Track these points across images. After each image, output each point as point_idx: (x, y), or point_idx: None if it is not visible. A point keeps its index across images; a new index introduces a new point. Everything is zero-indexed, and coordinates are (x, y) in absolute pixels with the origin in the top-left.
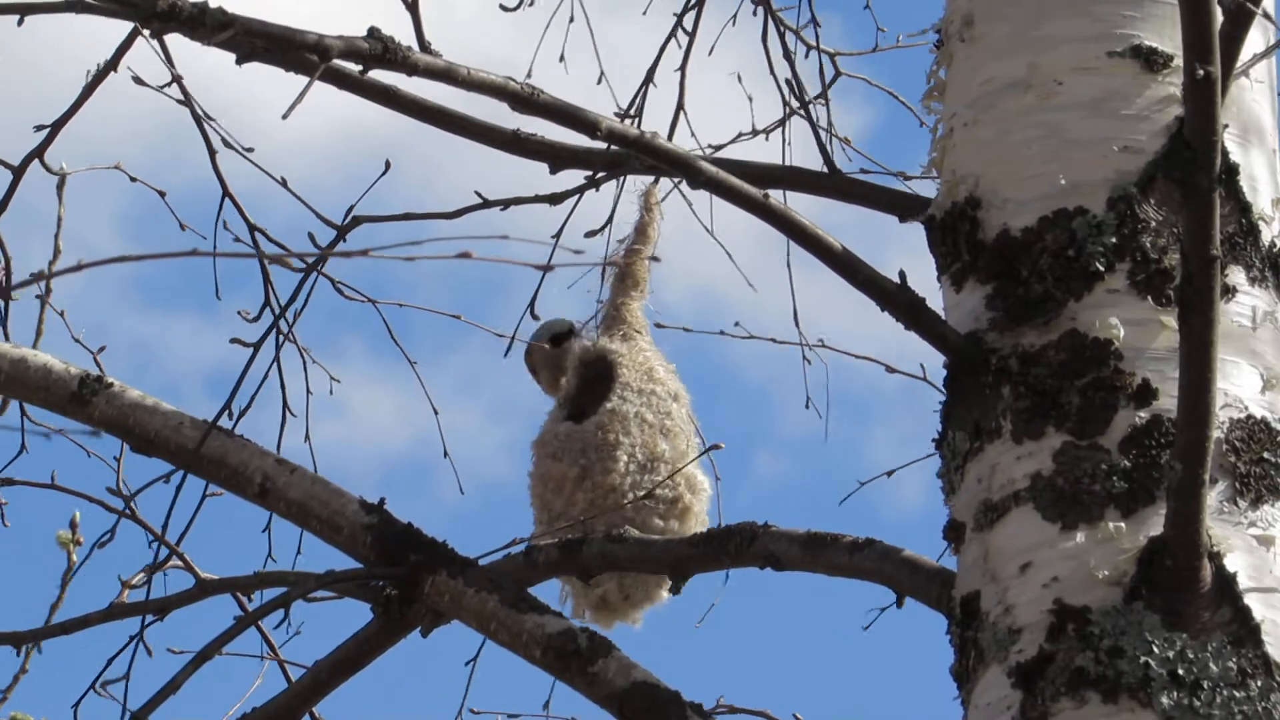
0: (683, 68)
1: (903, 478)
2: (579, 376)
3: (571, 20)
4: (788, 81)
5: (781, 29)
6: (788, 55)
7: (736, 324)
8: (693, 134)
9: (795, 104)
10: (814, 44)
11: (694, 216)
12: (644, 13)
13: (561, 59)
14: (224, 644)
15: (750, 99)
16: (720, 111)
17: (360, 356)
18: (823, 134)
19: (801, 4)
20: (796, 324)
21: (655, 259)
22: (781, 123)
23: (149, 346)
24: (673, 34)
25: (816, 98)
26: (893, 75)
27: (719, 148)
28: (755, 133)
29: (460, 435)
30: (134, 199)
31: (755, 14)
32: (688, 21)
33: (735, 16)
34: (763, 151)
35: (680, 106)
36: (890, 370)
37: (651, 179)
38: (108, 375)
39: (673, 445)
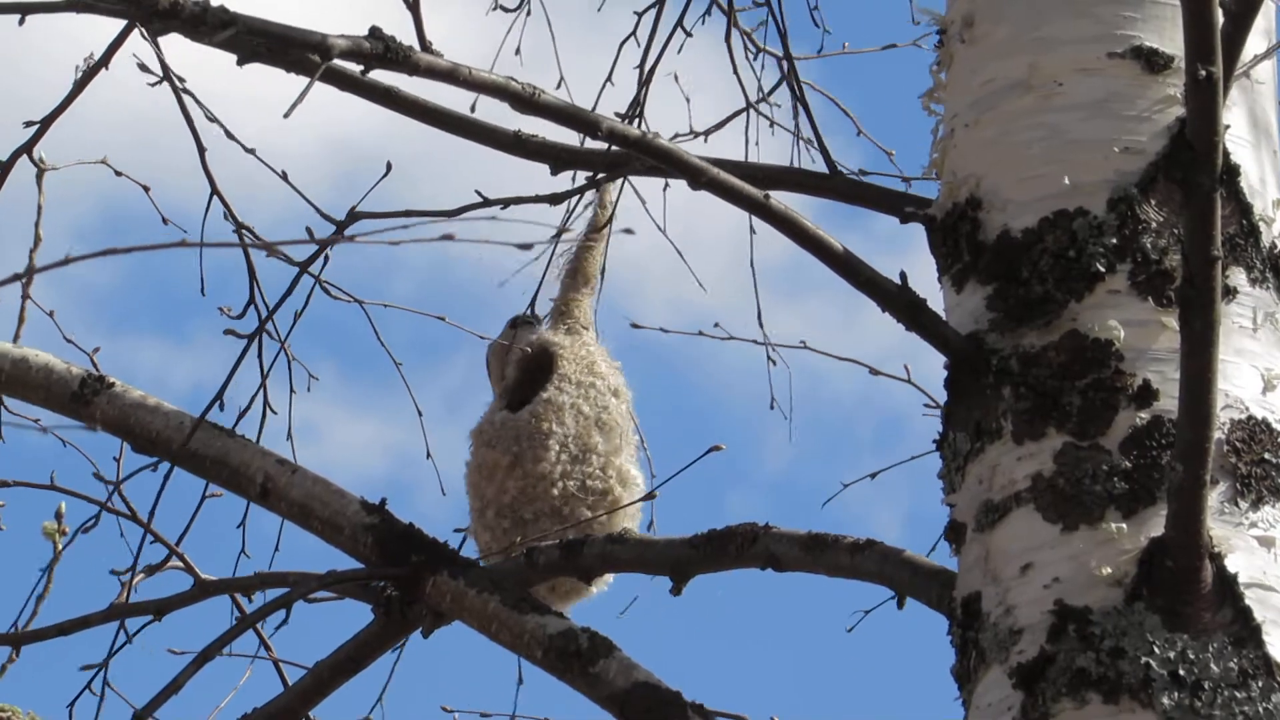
0: (641, 65)
1: (883, 512)
2: (520, 369)
3: (529, 13)
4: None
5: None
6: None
7: (716, 324)
8: (642, 124)
9: (755, 99)
10: (764, 46)
11: (651, 219)
12: (599, 9)
13: (517, 51)
14: (225, 644)
15: (688, 98)
16: (695, 110)
17: (334, 385)
18: (784, 133)
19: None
20: (760, 325)
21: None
22: (728, 119)
23: (117, 371)
24: (649, 35)
25: (767, 97)
26: (845, 82)
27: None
28: (694, 133)
29: (439, 456)
30: (122, 198)
31: (709, 16)
32: (650, 19)
33: (704, 16)
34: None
35: (636, 102)
36: (874, 373)
37: (605, 175)
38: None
39: (607, 439)
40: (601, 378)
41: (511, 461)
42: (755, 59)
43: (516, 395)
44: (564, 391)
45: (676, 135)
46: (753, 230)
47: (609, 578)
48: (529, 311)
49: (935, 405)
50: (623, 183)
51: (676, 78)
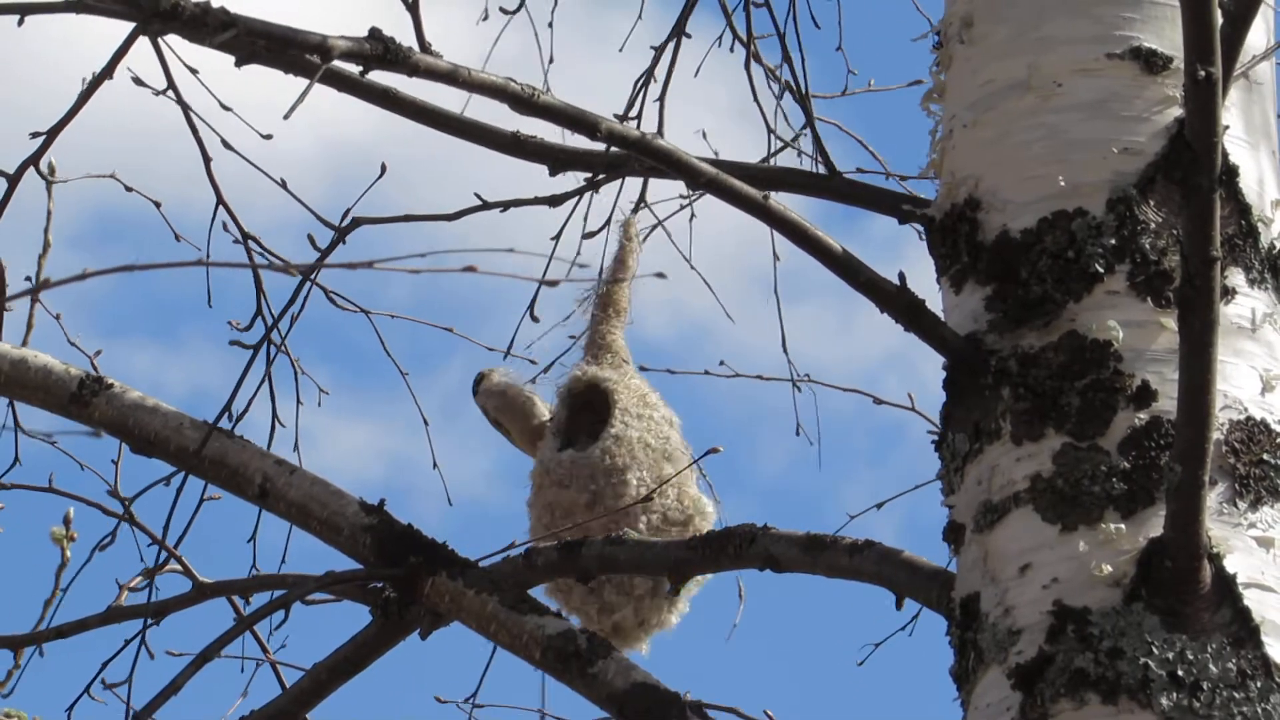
0: (661, 98)
1: (880, 516)
2: (568, 406)
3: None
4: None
5: (765, 67)
6: (795, 85)
7: (722, 363)
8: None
9: (781, 140)
10: (790, 84)
11: (674, 246)
12: (620, 50)
13: (552, 57)
14: (223, 646)
15: (701, 134)
16: (701, 145)
17: (328, 391)
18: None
19: (783, 40)
20: (786, 352)
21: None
22: (769, 158)
23: (111, 376)
24: (653, 67)
25: (794, 140)
26: (868, 119)
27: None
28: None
29: (430, 466)
30: (117, 201)
31: (732, 50)
32: (669, 52)
33: (720, 40)
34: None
35: (659, 135)
36: (878, 402)
37: (632, 209)
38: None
39: (675, 469)
40: (655, 409)
41: (590, 500)
42: (776, 89)
43: (567, 433)
44: (630, 426)
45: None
46: (776, 258)
47: (692, 590)
48: (482, 372)
49: (937, 431)
50: (621, 184)
51: (709, 107)
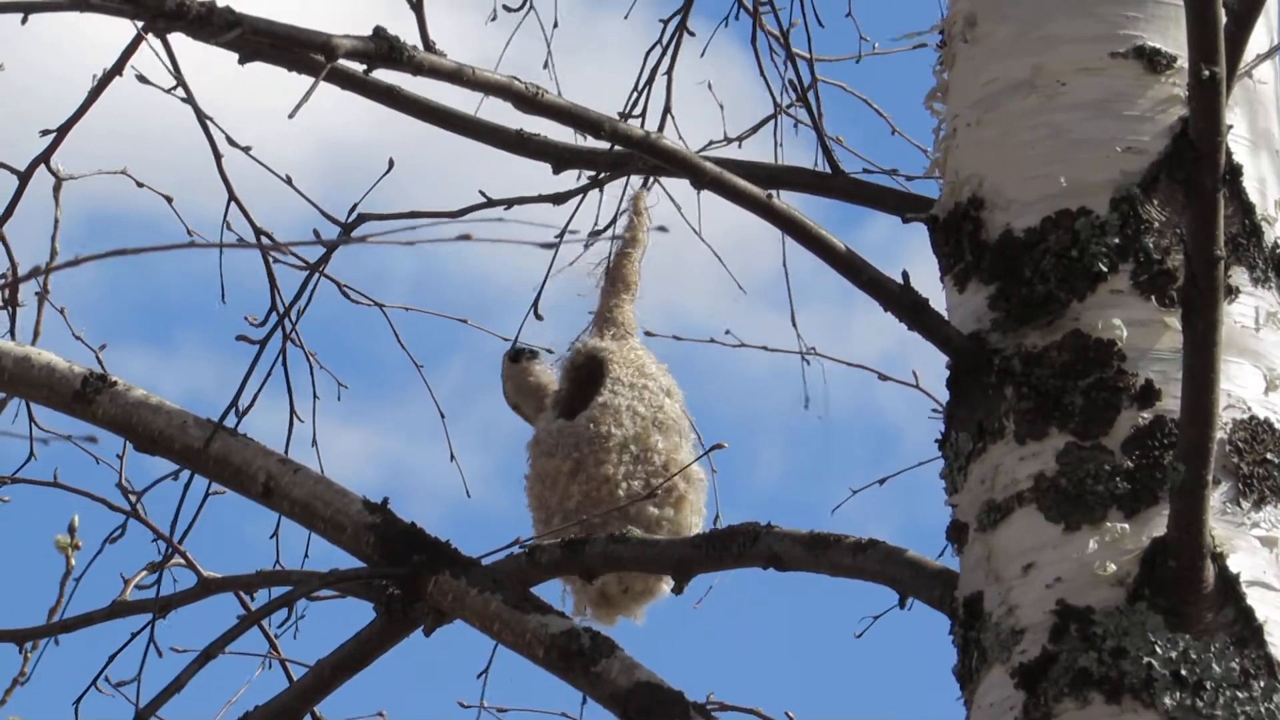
0: (669, 71)
1: (879, 523)
2: (570, 380)
3: (556, 26)
4: (791, 83)
5: (767, 34)
6: (791, 57)
7: (728, 331)
8: (680, 137)
9: (784, 103)
10: (801, 52)
11: (685, 221)
12: (626, 16)
13: (546, 65)
14: (228, 642)
15: (721, 106)
16: (712, 115)
17: (321, 393)
18: (813, 135)
19: (792, 7)
20: (795, 325)
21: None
22: (762, 124)
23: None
24: (662, 40)
25: (796, 101)
26: (875, 84)
27: (704, 148)
28: (728, 140)
29: (429, 468)
30: (105, 202)
31: (737, 19)
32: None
33: (726, 20)
34: (753, 154)
35: (667, 110)
36: (883, 378)
37: (641, 183)
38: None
39: (666, 438)
40: (653, 379)
41: (573, 467)
42: (783, 63)
43: (569, 406)
44: (618, 394)
45: (711, 143)
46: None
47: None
48: (523, 345)
49: (941, 411)
50: (626, 182)
51: (710, 86)
